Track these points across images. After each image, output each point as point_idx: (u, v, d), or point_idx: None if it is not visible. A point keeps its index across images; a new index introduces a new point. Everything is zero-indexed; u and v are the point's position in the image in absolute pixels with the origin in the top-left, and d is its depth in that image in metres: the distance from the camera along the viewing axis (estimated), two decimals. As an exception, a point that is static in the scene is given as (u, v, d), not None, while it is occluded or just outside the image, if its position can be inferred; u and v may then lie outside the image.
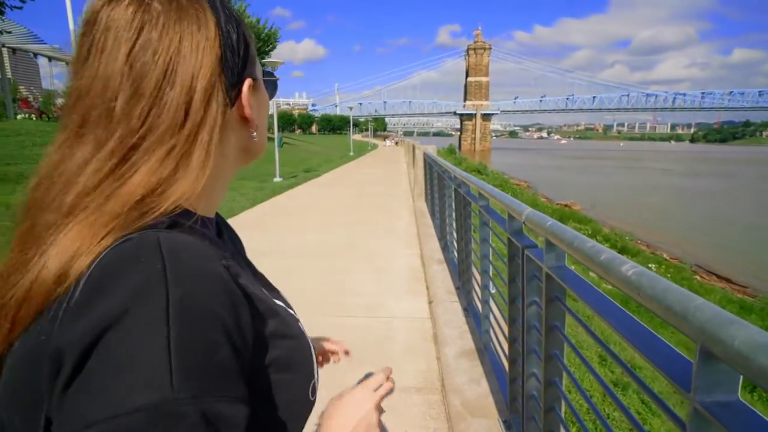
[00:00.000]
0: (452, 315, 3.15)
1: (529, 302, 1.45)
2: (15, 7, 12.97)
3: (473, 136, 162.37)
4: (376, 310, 3.43)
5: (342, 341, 0.84)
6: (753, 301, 9.79)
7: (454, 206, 3.95)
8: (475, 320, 2.83)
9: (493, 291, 2.47)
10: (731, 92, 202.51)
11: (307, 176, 13.71)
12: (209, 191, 0.47)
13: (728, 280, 11.95)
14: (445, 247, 4.76)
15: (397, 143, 63.32)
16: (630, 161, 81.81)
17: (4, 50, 21.73)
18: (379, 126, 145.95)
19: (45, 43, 22.68)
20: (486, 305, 2.46)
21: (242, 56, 0.47)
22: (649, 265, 9.55)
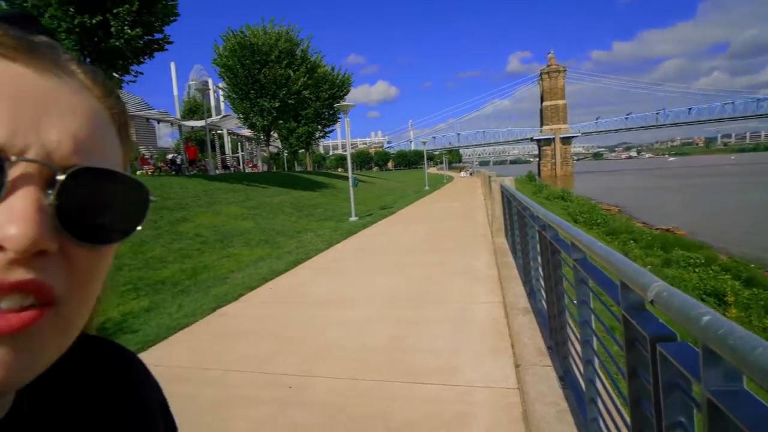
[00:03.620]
0: (545, 385, 2.58)
1: (671, 423, 0.96)
2: (130, 81, 15.06)
3: (553, 161, 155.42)
4: (451, 376, 2.96)
5: None
6: None
7: (539, 249, 3.41)
8: (576, 397, 2.26)
9: (597, 365, 1.92)
10: None
11: (383, 213, 13.65)
12: None
13: None
14: (531, 293, 4.17)
15: (471, 174, 62.35)
16: (747, 176, 71.54)
17: (125, 118, 25.28)
18: (453, 158, 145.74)
19: (153, 108, 25.93)
20: (591, 385, 1.90)
21: None
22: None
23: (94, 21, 12.26)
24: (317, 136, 35.13)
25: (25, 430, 0.33)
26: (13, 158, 0.26)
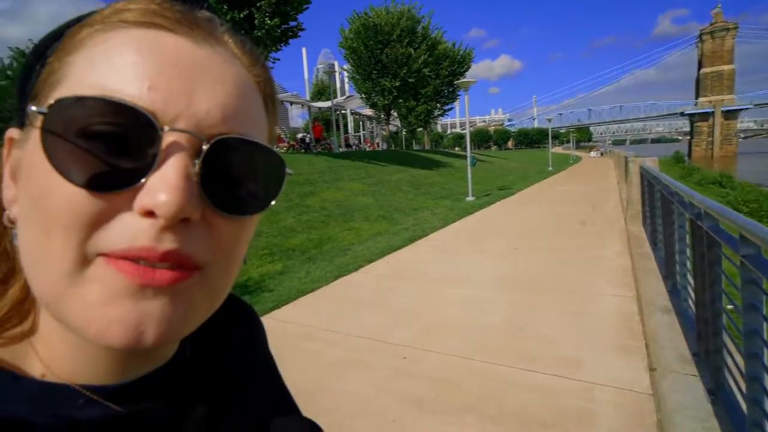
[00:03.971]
0: (689, 396, 2.28)
1: None
2: (269, 67, 16.80)
3: (709, 139, 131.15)
4: (571, 369, 2.78)
5: None
6: None
7: (689, 241, 2.97)
8: (732, 417, 1.95)
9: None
10: None
11: (501, 194, 13.15)
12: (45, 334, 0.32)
13: None
14: (673, 290, 3.67)
15: (602, 154, 56.29)
16: None
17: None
18: (582, 136, 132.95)
19: (287, 92, 28.37)
20: (756, 408, 1.61)
21: (22, 87, 0.32)
22: None
23: (241, 15, 13.77)
24: (436, 114, 34.92)
25: (188, 370, 0.38)
26: (166, 128, 0.27)
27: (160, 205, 0.26)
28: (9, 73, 28.97)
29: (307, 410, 0.48)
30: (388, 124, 30.19)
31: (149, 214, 0.26)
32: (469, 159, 12.63)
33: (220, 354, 0.43)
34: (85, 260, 0.26)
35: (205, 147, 0.28)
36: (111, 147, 0.26)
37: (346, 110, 31.64)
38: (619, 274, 4.72)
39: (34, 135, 0.27)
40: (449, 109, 35.75)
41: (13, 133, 0.32)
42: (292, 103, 30.73)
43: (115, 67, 0.27)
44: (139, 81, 0.26)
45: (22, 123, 0.31)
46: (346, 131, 31.80)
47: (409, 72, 24.94)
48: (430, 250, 6.48)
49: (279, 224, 7.29)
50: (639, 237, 6.23)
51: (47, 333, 0.31)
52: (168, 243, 0.27)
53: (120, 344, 0.26)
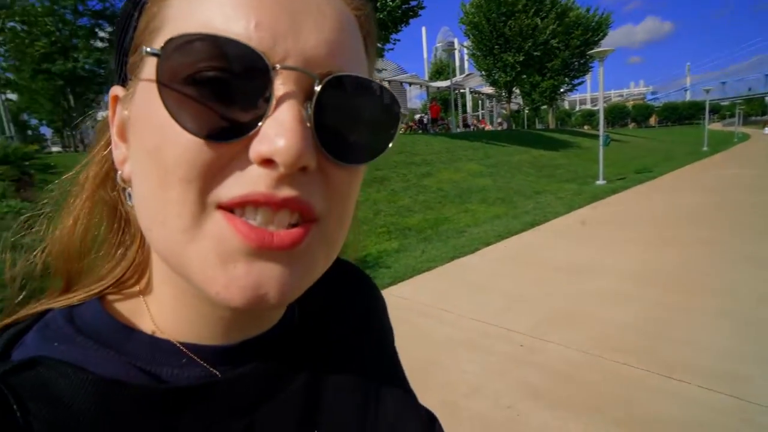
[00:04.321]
0: None
1: None
2: (389, 49, 17.05)
3: None
4: (729, 384, 2.38)
5: None
6: None
7: None
8: None
9: None
10: None
11: (638, 178, 11.67)
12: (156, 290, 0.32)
13: None
14: None
15: (783, 130, 46.12)
16: None
17: (384, 83, 29.19)
18: (753, 109, 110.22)
19: (407, 73, 28.64)
20: None
21: (120, 41, 0.31)
22: None
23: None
24: (563, 89, 32.07)
25: (293, 336, 0.37)
26: (278, 66, 0.25)
27: (279, 152, 0.24)
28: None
29: (417, 385, 0.47)
30: (509, 102, 28.68)
31: (266, 162, 0.25)
32: (601, 138, 11.40)
33: (330, 320, 0.41)
34: (203, 214, 0.26)
35: (317, 88, 0.26)
36: (223, 91, 0.24)
37: (464, 89, 30.90)
38: (797, 277, 3.88)
39: (142, 88, 0.27)
40: (579, 84, 32.51)
41: (116, 91, 0.31)
42: (410, 84, 31.01)
43: (217, 5, 0.25)
44: (244, 18, 0.25)
45: (124, 79, 0.31)
46: (464, 111, 31.11)
47: (535, 44, 23.19)
48: (552, 236, 6.07)
49: (397, 203, 7.50)
50: (830, 233, 5.02)
51: (160, 292, 0.32)
52: (287, 190, 0.25)
53: (240, 304, 0.26)
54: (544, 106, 34.51)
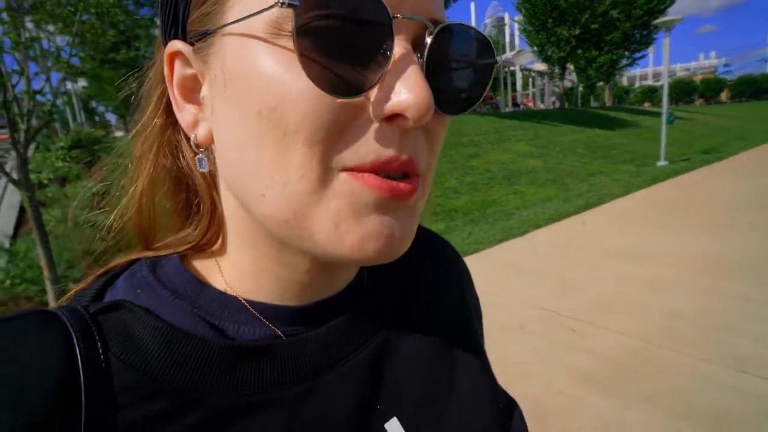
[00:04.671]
0: None
1: None
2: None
3: None
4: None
5: None
6: None
7: None
8: None
9: None
10: None
11: (705, 159, 10.82)
12: (230, 249, 0.32)
13: None
14: None
15: None
16: None
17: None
18: None
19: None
20: None
21: None
22: None
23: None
24: (623, 64, 30.01)
25: (367, 296, 0.36)
26: (399, 16, 0.23)
27: (410, 106, 0.23)
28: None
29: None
30: (562, 79, 27.29)
31: (392, 118, 0.24)
32: (664, 115, 10.64)
33: (407, 284, 0.40)
34: (329, 176, 0.25)
35: (429, 39, 0.25)
36: (349, 44, 0.23)
37: (515, 66, 29.71)
38: None
39: (237, 41, 0.25)
40: (640, 58, 30.24)
41: (176, 45, 0.28)
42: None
43: None
44: None
45: (182, 31, 0.28)
46: (513, 89, 29.99)
47: (593, 16, 21.80)
48: (606, 220, 5.81)
49: (443, 185, 7.43)
50: None
51: (236, 255, 0.32)
52: (408, 150, 0.25)
53: (375, 257, 0.26)
54: (601, 83, 32.55)
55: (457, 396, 0.36)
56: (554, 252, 4.58)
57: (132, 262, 0.33)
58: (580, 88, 33.66)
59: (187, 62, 0.29)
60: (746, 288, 3.35)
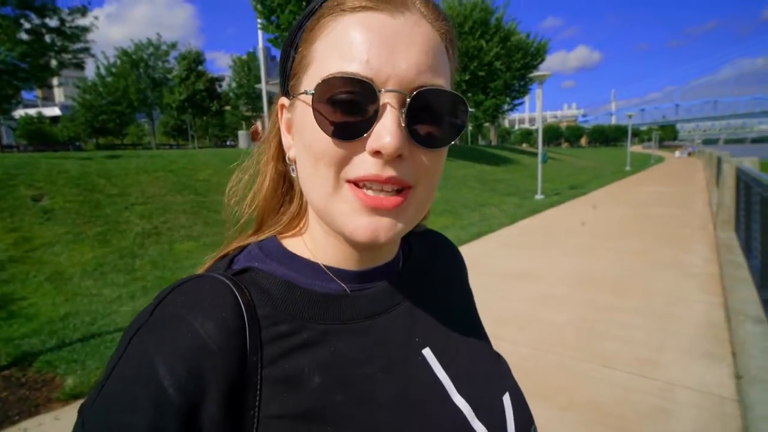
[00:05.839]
0: (779, 405, 2.19)
1: None
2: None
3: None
4: (649, 369, 2.75)
5: None
6: None
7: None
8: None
9: None
10: None
11: (572, 194, 12.64)
12: (314, 233, 0.47)
13: None
14: (768, 301, 3.44)
15: (690, 154, 51.61)
16: None
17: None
18: (666, 134, 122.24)
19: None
20: None
21: (283, 68, 0.45)
22: None
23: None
24: (505, 109, 33.88)
25: (402, 273, 0.50)
26: (383, 90, 0.36)
27: (384, 146, 0.36)
28: (114, 70, 31.97)
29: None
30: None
31: (376, 153, 0.37)
32: (540, 155, 12.27)
33: (426, 269, 0.54)
34: (338, 185, 0.39)
35: (408, 100, 0.37)
36: (349, 109, 0.36)
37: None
38: (705, 281, 4.47)
39: (301, 106, 0.40)
40: (519, 104, 34.55)
41: (283, 101, 0.46)
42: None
43: (343, 49, 0.37)
44: (358, 59, 0.36)
45: (287, 93, 0.44)
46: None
47: (480, 65, 24.43)
48: (497, 246, 6.47)
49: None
50: (729, 244, 5.80)
51: (314, 232, 0.46)
52: (389, 171, 0.37)
53: (363, 242, 0.39)
54: (487, 124, 36.22)
55: (466, 336, 0.53)
56: (455, 275, 4.97)
57: (245, 246, 0.48)
58: (470, 128, 37.05)
59: (287, 110, 0.45)
60: (611, 299, 4.01)
